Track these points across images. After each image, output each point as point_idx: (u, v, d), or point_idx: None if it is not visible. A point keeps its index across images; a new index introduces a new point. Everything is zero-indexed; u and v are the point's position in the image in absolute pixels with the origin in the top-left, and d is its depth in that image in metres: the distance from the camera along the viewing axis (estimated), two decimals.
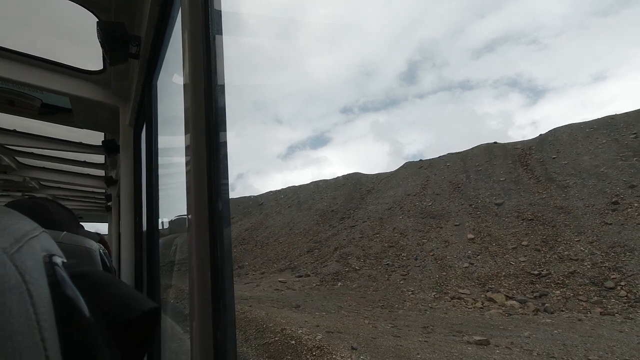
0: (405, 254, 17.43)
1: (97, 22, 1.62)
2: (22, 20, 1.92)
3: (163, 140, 2.06)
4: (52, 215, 1.15)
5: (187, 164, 0.90)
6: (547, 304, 11.24)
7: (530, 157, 21.18)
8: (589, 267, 12.42)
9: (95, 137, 3.59)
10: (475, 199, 19.95)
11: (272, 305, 11.05)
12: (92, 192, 6.24)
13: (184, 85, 0.92)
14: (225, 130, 0.91)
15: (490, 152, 23.36)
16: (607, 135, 18.96)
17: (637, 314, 9.75)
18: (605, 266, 12.14)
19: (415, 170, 26.08)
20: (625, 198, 14.71)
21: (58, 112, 2.89)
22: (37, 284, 0.25)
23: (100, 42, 1.65)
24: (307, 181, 39.45)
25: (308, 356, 6.64)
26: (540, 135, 22.81)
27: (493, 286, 13.25)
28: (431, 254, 16.51)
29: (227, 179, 0.91)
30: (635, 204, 14.24)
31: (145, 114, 2.13)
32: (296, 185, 35.00)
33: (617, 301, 10.57)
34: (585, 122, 21.10)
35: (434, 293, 13.55)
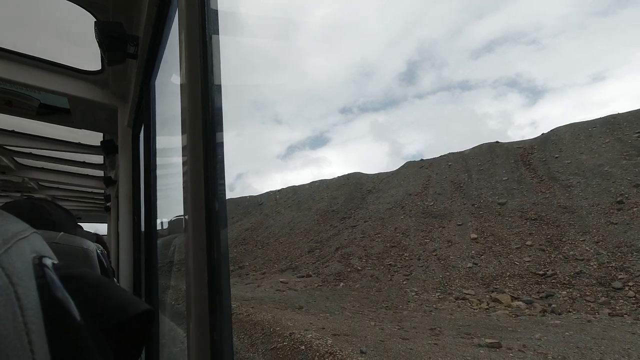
0: (408, 253, 17.24)
1: (95, 22, 1.61)
2: (20, 20, 1.92)
3: (161, 141, 2.05)
4: (51, 216, 1.14)
5: (184, 164, 0.90)
6: (553, 305, 11.06)
7: (532, 157, 21.03)
8: (595, 267, 12.24)
9: (94, 138, 3.58)
10: (477, 198, 19.78)
11: (274, 307, 10.83)
12: (91, 192, 6.24)
13: (181, 85, 0.92)
14: (222, 130, 0.91)
15: (492, 152, 23.21)
16: (609, 134, 18.82)
17: None
18: (612, 266, 11.97)
19: (417, 169, 25.92)
20: (630, 197, 14.56)
21: (56, 113, 2.88)
22: (25, 286, 0.25)
23: (98, 42, 1.64)
24: (307, 181, 39.22)
25: None
26: (543, 134, 22.68)
27: (498, 286, 13.07)
28: (434, 254, 16.33)
29: (224, 179, 0.90)
30: None
31: (144, 114, 2.12)
32: (296, 185, 34.80)
33: (625, 302, 10.40)
34: (588, 121, 20.97)
35: (438, 293, 13.36)
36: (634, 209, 13.97)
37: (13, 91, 2.47)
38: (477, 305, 11.96)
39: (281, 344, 7.26)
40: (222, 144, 0.91)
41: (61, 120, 2.99)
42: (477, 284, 13.66)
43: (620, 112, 20.00)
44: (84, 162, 4.61)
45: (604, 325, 8.98)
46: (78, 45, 2.11)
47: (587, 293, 11.28)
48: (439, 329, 8.77)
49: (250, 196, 37.69)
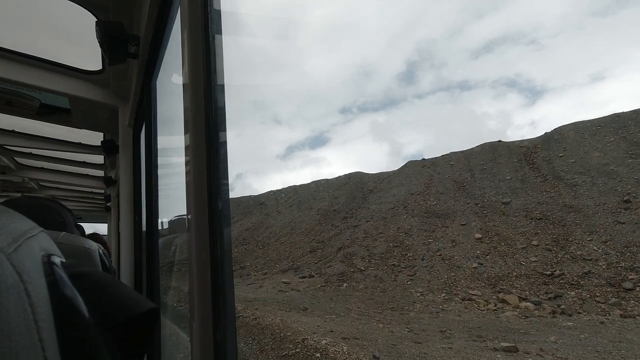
0: (411, 254, 17.00)
1: (96, 21, 1.61)
2: (21, 20, 1.92)
3: (162, 140, 2.04)
4: (62, 217, 1.15)
5: (186, 163, 0.90)
6: (563, 306, 10.82)
7: (536, 156, 20.82)
8: (604, 267, 12.02)
9: (95, 138, 3.58)
10: (481, 198, 19.55)
11: (278, 308, 10.57)
12: (92, 192, 6.25)
13: (184, 85, 0.92)
14: (225, 130, 0.91)
15: (495, 151, 22.99)
16: (614, 133, 18.62)
17: None
18: (622, 266, 11.75)
19: (418, 169, 25.69)
20: (637, 196, 14.38)
21: (57, 112, 2.88)
22: (35, 283, 0.25)
23: (99, 42, 1.64)
24: (306, 181, 38.95)
25: None
26: (546, 133, 22.49)
27: (504, 287, 12.84)
28: (438, 254, 16.09)
29: (227, 178, 0.90)
30: None
31: (145, 114, 2.12)
32: (297, 184, 34.49)
33: (637, 303, 10.20)
34: (591, 120, 20.79)
35: (444, 294, 13.12)
36: None
37: (13, 91, 2.46)
38: (484, 306, 11.72)
39: (293, 351, 6.79)
40: (225, 143, 0.90)
41: (62, 120, 2.97)
42: (483, 284, 13.42)
43: (625, 110, 19.77)
44: (84, 162, 4.58)
45: (618, 327, 8.76)
46: (79, 45, 2.10)
47: (597, 294, 11.06)
48: (449, 331, 8.52)
49: (250, 196, 37.39)
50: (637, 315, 9.58)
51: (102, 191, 5.87)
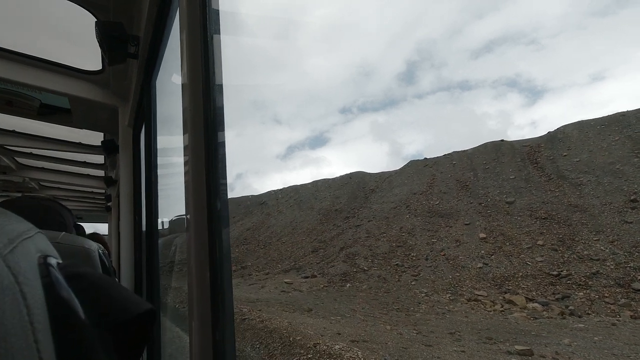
0: (415, 253, 16.80)
1: (96, 22, 1.61)
2: (21, 20, 1.92)
3: (162, 140, 2.05)
4: (62, 217, 1.17)
5: (185, 163, 0.90)
6: (571, 307, 10.62)
7: (539, 155, 20.63)
8: (612, 267, 11.83)
9: (95, 138, 3.58)
10: (484, 197, 19.35)
11: (282, 309, 10.37)
12: (92, 192, 6.24)
13: (182, 85, 0.92)
14: (223, 130, 0.91)
15: (498, 150, 22.81)
16: (619, 132, 18.44)
17: None
18: (630, 266, 11.58)
19: (420, 168, 25.50)
20: None
21: (57, 113, 2.88)
22: (31, 285, 0.25)
23: (99, 42, 1.64)
24: (306, 181, 38.73)
25: None
26: (549, 132, 22.33)
27: (510, 287, 12.64)
28: (442, 253, 15.89)
29: (226, 178, 0.90)
30: None
31: (145, 114, 2.12)
32: (297, 184, 34.27)
33: None
34: (595, 119, 20.58)
35: (449, 295, 12.92)
36: None
37: (14, 91, 2.47)
38: (490, 307, 11.52)
39: (305, 357, 6.36)
40: (223, 143, 0.90)
41: (62, 120, 2.97)
42: (489, 284, 13.23)
43: (630, 109, 19.57)
44: (84, 162, 4.58)
45: (631, 329, 8.57)
46: (79, 45, 2.11)
47: (606, 294, 10.87)
48: (458, 333, 8.32)
49: (251, 195, 37.17)
50: None
51: (103, 191, 5.83)
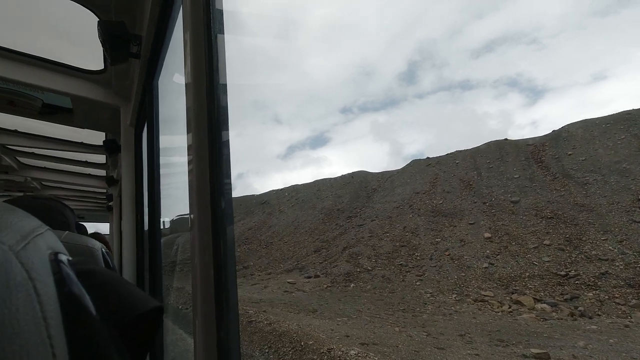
0: (419, 253, 16.61)
1: (98, 21, 1.61)
2: (23, 20, 1.92)
3: (164, 140, 2.05)
4: (65, 217, 1.17)
5: (189, 163, 0.90)
6: (580, 308, 10.42)
7: (544, 154, 20.44)
8: (621, 267, 11.64)
9: (97, 137, 3.58)
10: (488, 196, 19.15)
11: (286, 310, 10.17)
12: (94, 192, 6.25)
13: (186, 84, 0.93)
14: (227, 129, 0.91)
15: (501, 149, 22.62)
16: (625, 130, 18.25)
17: None
18: None
19: (423, 167, 25.31)
20: None
21: (59, 112, 2.88)
22: (44, 281, 0.26)
23: (101, 41, 1.64)
24: (307, 181, 38.53)
25: None
26: (553, 131, 22.14)
27: (517, 288, 12.45)
28: (447, 253, 15.70)
29: (230, 177, 0.90)
30: None
31: (147, 113, 2.13)
32: (299, 184, 34.03)
33: None
34: (600, 117, 20.37)
35: (455, 295, 12.73)
36: None
37: (16, 91, 2.47)
38: (498, 307, 11.33)
39: None
40: (227, 142, 0.90)
41: (64, 119, 2.98)
42: (495, 285, 13.03)
43: (635, 108, 19.36)
44: (86, 162, 4.58)
45: None
46: (81, 44, 2.10)
47: (616, 295, 10.68)
48: (468, 335, 8.13)
49: (252, 195, 36.94)
50: None
51: (104, 191, 5.84)
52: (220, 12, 0.93)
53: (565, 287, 11.82)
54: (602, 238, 13.34)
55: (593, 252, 12.89)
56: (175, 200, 1.86)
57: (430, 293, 13.13)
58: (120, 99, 2.55)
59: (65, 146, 3.78)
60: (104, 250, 1.22)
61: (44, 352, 0.23)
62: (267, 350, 6.89)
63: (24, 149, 4.02)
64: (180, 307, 8.27)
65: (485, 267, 14.02)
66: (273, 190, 36.14)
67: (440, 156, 26.16)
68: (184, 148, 0.93)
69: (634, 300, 10.26)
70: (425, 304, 12.12)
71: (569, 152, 19.30)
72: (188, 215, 0.89)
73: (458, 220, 18.39)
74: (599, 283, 11.39)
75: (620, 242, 12.80)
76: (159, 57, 1.71)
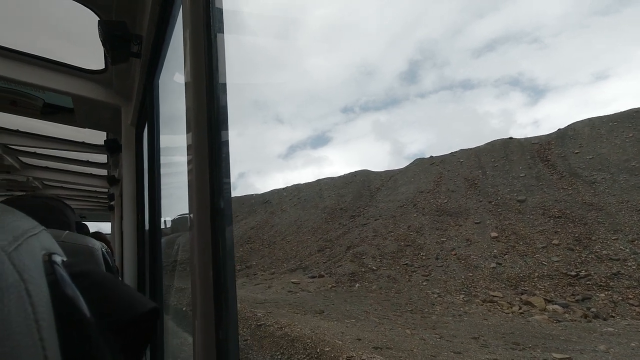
0: (425, 253, 16.36)
1: (99, 21, 1.60)
2: (24, 20, 1.91)
3: (165, 140, 2.04)
4: (66, 217, 1.16)
5: (188, 162, 0.90)
6: (593, 309, 10.15)
7: (550, 153, 20.15)
8: (634, 267, 11.40)
9: (98, 137, 3.59)
10: (494, 195, 18.88)
11: (293, 312, 9.92)
12: (95, 191, 6.24)
13: (186, 84, 0.93)
14: (227, 129, 0.91)
15: (506, 148, 22.31)
16: (633, 128, 17.99)
17: None
18: None
19: (427, 166, 25.05)
20: None
21: (60, 112, 2.89)
22: (36, 283, 0.25)
23: (101, 41, 1.63)
24: (309, 180, 38.31)
25: None
26: (559, 129, 21.78)
27: (527, 288, 12.20)
28: (453, 253, 15.44)
29: (229, 177, 0.89)
30: None
31: (147, 113, 2.13)
32: (301, 183, 33.79)
33: None
34: (607, 115, 20.11)
35: (463, 295, 12.48)
36: None
37: (17, 91, 2.49)
38: (508, 308, 11.07)
39: None
40: (227, 142, 0.90)
41: (65, 119, 2.99)
42: (504, 285, 12.78)
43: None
44: (87, 161, 4.61)
45: None
46: (82, 44, 2.10)
47: (630, 296, 10.43)
48: (482, 338, 7.87)
49: (254, 194, 36.70)
50: None
51: (106, 190, 5.85)
52: (220, 11, 0.93)
53: (576, 287, 11.56)
54: (613, 237, 13.07)
55: (604, 251, 12.62)
56: (176, 199, 1.86)
57: (438, 293, 12.88)
58: (121, 98, 2.54)
59: (67, 146, 3.80)
60: (104, 249, 1.21)
61: (35, 354, 0.22)
62: (279, 357, 6.48)
63: (25, 149, 4.05)
64: (184, 308, 7.99)
65: (493, 267, 13.76)
66: (275, 190, 35.92)
67: (444, 155, 25.89)
68: (184, 148, 0.93)
69: None
70: (433, 304, 11.86)
71: (576, 151, 19.02)
72: (188, 215, 0.89)
73: (464, 220, 18.12)
74: (611, 283, 11.13)
75: (632, 241, 12.54)
76: (160, 57, 1.70)
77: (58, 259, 0.30)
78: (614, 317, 9.67)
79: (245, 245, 25.71)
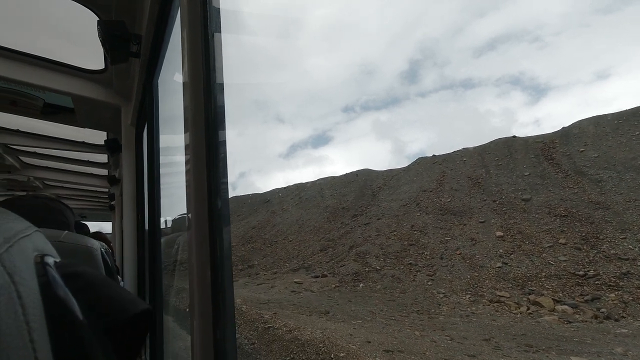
0: (429, 252, 16.17)
1: (98, 21, 1.61)
2: (23, 20, 1.92)
3: (164, 139, 2.04)
4: (65, 217, 1.17)
5: (186, 162, 0.90)
6: (603, 309, 9.94)
7: (555, 151, 19.95)
8: None
9: (98, 137, 3.61)
10: (498, 194, 18.68)
11: (297, 312, 9.73)
12: (96, 191, 6.27)
13: (184, 83, 0.93)
14: (224, 129, 0.90)
15: (510, 147, 22.10)
16: (639, 126, 17.65)
17: None
18: None
19: (429, 165, 24.86)
20: None
21: (61, 112, 2.90)
22: (27, 284, 0.25)
23: (101, 41, 1.64)
24: (309, 179, 38.14)
25: None
26: (563, 128, 21.60)
27: (534, 288, 12.00)
28: (458, 252, 15.25)
29: (227, 177, 0.89)
30: None
31: (147, 113, 2.13)
32: (302, 182, 33.56)
33: None
34: (612, 113, 19.81)
35: (469, 295, 12.30)
36: None
37: (18, 91, 2.50)
38: (516, 309, 10.87)
39: None
40: (224, 142, 0.90)
41: (65, 119, 3.01)
42: (510, 285, 12.58)
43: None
44: (88, 161, 4.63)
45: None
46: (81, 44, 2.11)
47: None
48: (494, 339, 7.65)
49: (255, 194, 36.52)
50: None
51: (107, 190, 5.87)
52: (218, 10, 0.92)
53: (585, 287, 11.35)
54: (621, 237, 12.87)
55: (612, 251, 12.42)
56: (176, 199, 1.85)
57: (443, 293, 12.69)
58: (121, 98, 2.55)
59: (67, 146, 3.81)
60: (103, 249, 1.19)
61: (26, 356, 0.22)
62: None
63: (26, 149, 4.06)
64: (186, 308, 7.75)
65: (499, 267, 13.57)
66: (276, 189, 35.73)
67: (446, 154, 25.69)
68: (182, 147, 0.92)
69: None
70: (440, 304, 11.67)
71: (581, 149, 18.81)
72: (186, 215, 0.89)
73: (468, 219, 17.93)
74: (621, 283, 10.94)
75: None
76: (159, 57, 1.70)
77: (50, 260, 0.30)
78: (625, 317, 9.48)
79: (247, 245, 25.53)
